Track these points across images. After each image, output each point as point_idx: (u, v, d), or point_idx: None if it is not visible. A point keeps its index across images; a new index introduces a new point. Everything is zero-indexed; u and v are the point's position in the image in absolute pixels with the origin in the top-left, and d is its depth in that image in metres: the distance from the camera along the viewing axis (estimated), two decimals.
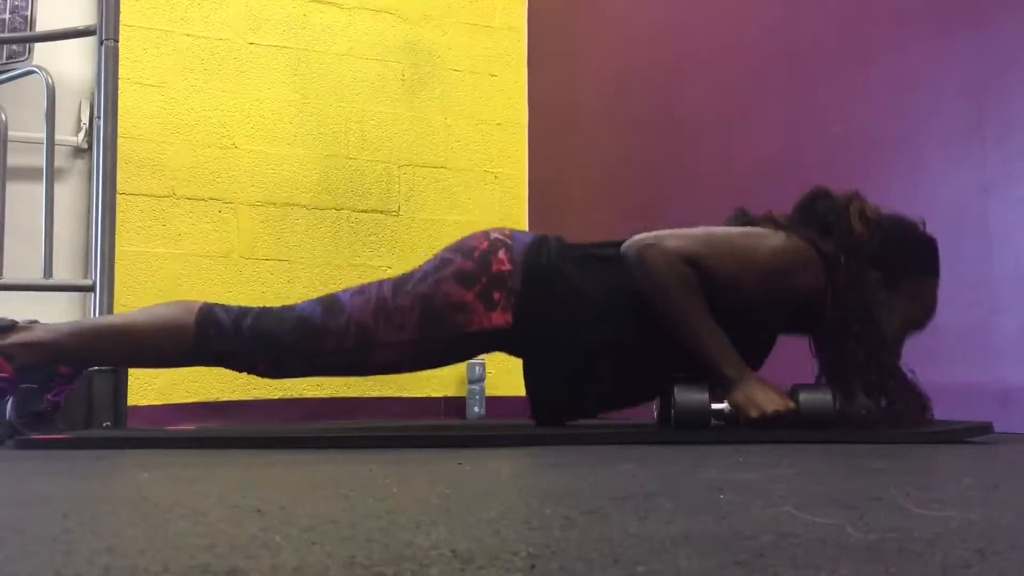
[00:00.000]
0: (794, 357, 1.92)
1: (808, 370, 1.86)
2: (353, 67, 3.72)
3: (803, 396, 1.71)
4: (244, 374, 2.02)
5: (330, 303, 1.89)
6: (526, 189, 3.95)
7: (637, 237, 1.82)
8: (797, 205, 1.88)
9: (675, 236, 1.80)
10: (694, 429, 1.70)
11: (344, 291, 1.92)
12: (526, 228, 3.92)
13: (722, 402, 1.73)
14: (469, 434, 2.16)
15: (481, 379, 3.60)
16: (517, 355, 1.94)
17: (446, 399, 3.70)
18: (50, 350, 1.86)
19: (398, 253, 3.70)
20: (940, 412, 2.05)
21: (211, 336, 1.87)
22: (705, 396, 1.71)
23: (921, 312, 1.85)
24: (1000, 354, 2.04)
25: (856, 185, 2.41)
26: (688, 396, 1.71)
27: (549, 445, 1.69)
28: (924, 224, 1.85)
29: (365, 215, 3.67)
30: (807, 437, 1.65)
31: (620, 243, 1.88)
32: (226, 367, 1.99)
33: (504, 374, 3.77)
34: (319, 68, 3.67)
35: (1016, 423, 1.91)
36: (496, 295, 1.83)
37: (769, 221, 1.87)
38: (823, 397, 1.70)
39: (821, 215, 1.83)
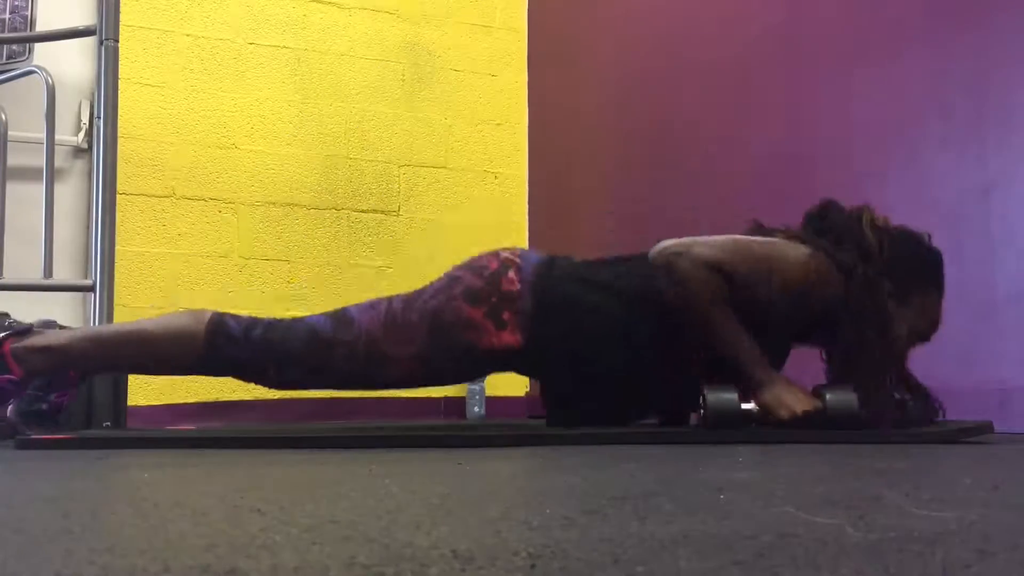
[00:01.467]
0: (798, 360, 1.92)
1: (812, 372, 1.87)
2: (353, 67, 3.72)
3: (830, 396, 1.73)
4: None
5: (341, 316, 1.90)
6: (526, 189, 3.95)
7: (664, 244, 1.83)
8: (808, 216, 1.90)
9: (702, 244, 1.81)
10: (726, 429, 1.72)
11: (355, 306, 1.93)
12: (526, 228, 3.93)
13: (750, 403, 1.75)
14: (469, 434, 2.16)
15: (481, 379, 3.60)
16: (528, 375, 1.96)
17: (446, 399, 3.70)
18: (61, 355, 1.87)
19: (398, 253, 3.70)
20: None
21: (221, 345, 1.87)
22: (735, 396, 1.73)
23: (927, 325, 1.87)
24: (1000, 354, 2.03)
25: (856, 184, 2.42)
26: (719, 397, 1.73)
27: (549, 445, 1.69)
28: (930, 237, 1.87)
29: (365, 215, 3.67)
30: (834, 437, 1.66)
31: (627, 258, 1.89)
32: (235, 376, 1.99)
33: (504, 374, 3.77)
34: (319, 68, 3.67)
35: (1016, 423, 1.91)
36: (506, 315, 1.83)
37: (784, 233, 1.89)
38: (849, 397, 1.72)
39: (833, 226, 1.85)
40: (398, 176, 3.75)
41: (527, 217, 3.93)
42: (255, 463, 1.39)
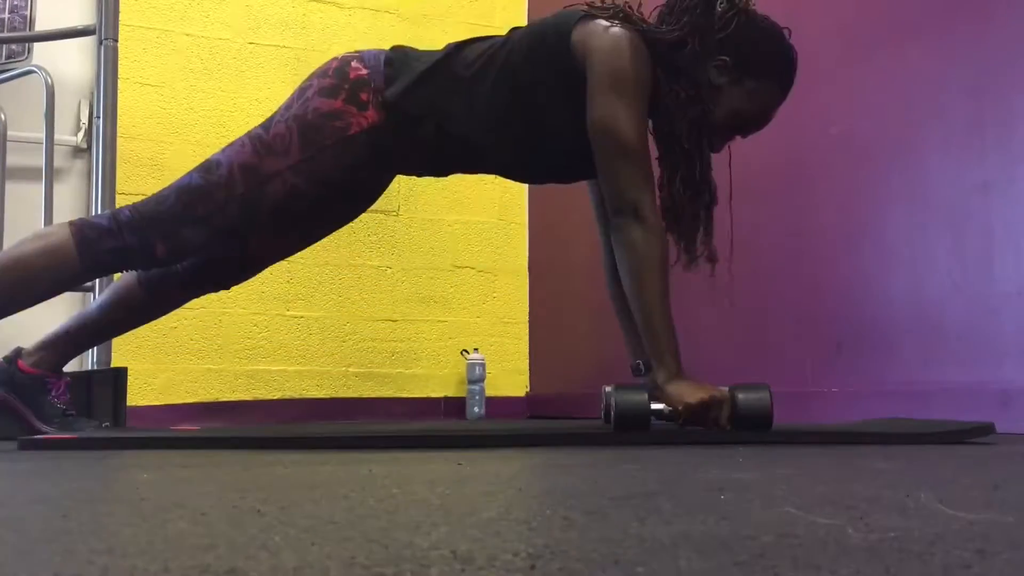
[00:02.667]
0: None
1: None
2: None
3: (741, 396, 1.71)
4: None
5: (204, 165, 1.94)
6: (526, 189, 3.94)
7: (616, 204, 1.80)
8: None
9: (642, 192, 1.78)
10: (634, 430, 1.70)
11: (214, 154, 1.96)
12: (526, 228, 3.93)
13: (660, 403, 1.73)
14: (469, 434, 2.16)
15: (481, 379, 3.61)
16: (395, 159, 1.97)
17: (446, 399, 3.70)
18: None
19: (398, 253, 3.70)
20: (941, 412, 2.05)
21: (93, 239, 1.89)
22: (644, 397, 1.71)
23: (754, 110, 1.88)
24: (1001, 354, 2.03)
25: (856, 184, 2.42)
26: (627, 398, 1.70)
27: (549, 445, 1.69)
28: (790, 33, 1.89)
29: (365, 215, 3.66)
30: (745, 438, 1.65)
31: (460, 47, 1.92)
32: (121, 270, 2.00)
33: (504, 374, 3.78)
34: None
35: (1017, 423, 1.91)
36: (363, 96, 1.89)
37: (605, 10, 1.85)
38: (761, 396, 1.70)
39: None
40: (398, 176, 3.75)
41: (527, 217, 3.93)
42: (255, 463, 1.39)
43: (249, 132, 1.94)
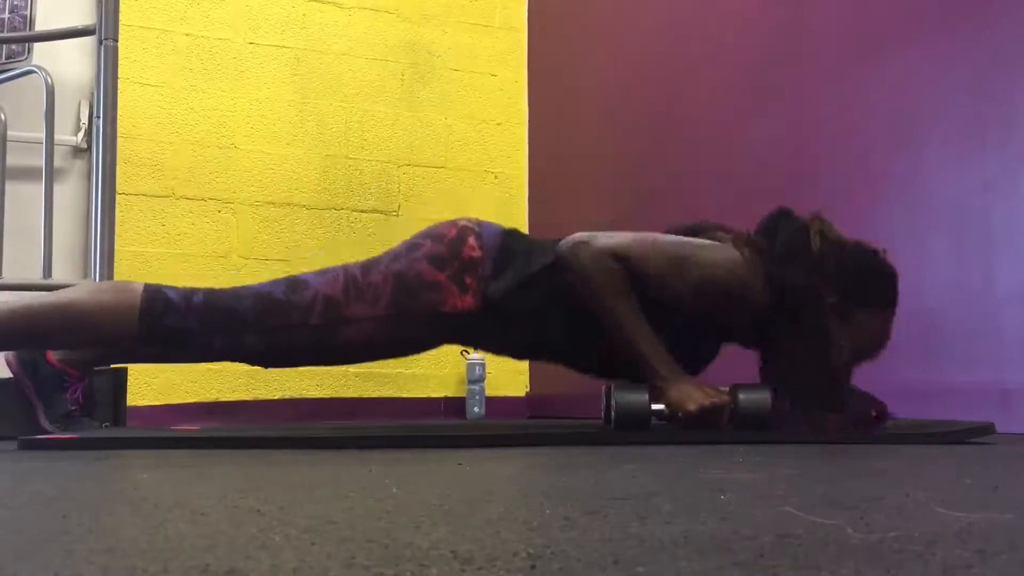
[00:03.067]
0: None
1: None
2: (353, 67, 3.72)
3: (742, 395, 1.70)
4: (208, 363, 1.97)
5: (292, 281, 1.88)
6: (526, 189, 3.95)
7: (570, 237, 1.84)
8: (759, 224, 1.86)
9: (607, 235, 1.82)
10: (634, 430, 1.69)
11: (304, 273, 1.92)
12: (526, 228, 3.93)
13: (661, 403, 1.73)
14: (469, 434, 2.16)
15: (481, 379, 3.60)
16: (476, 343, 1.97)
17: (446, 399, 3.70)
18: None
19: None
20: (941, 412, 2.05)
21: (159, 313, 1.80)
22: (645, 396, 1.70)
23: (872, 344, 1.81)
24: (1002, 354, 2.03)
25: (856, 184, 2.42)
26: (627, 397, 1.70)
27: (549, 445, 1.69)
28: (885, 253, 1.81)
29: (365, 215, 3.67)
30: (746, 437, 1.65)
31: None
32: (172, 353, 1.92)
33: (504, 374, 3.77)
34: (319, 68, 3.67)
35: (1018, 424, 1.91)
36: (468, 279, 1.86)
37: (721, 235, 1.87)
38: (762, 396, 1.70)
39: (782, 234, 1.80)
40: (398, 176, 3.75)
41: (527, 217, 3.93)
42: (255, 463, 1.39)
43: (347, 266, 1.90)
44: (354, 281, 1.86)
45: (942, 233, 2.19)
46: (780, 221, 1.83)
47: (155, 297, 1.82)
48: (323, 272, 1.90)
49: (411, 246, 1.91)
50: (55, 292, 1.93)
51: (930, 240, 2.20)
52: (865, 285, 1.78)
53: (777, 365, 1.80)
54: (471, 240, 1.89)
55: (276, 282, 1.89)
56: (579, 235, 1.84)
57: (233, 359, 1.93)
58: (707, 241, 1.85)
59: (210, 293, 1.86)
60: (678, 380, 1.74)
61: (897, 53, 2.34)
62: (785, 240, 1.79)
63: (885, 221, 2.32)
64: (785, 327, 1.76)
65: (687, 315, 1.81)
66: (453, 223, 1.94)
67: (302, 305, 1.83)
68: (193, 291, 1.86)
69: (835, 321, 1.74)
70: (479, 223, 1.95)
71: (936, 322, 2.16)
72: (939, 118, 2.22)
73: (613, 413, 1.71)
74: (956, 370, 2.11)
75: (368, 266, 1.89)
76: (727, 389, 1.73)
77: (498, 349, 2.02)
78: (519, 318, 1.87)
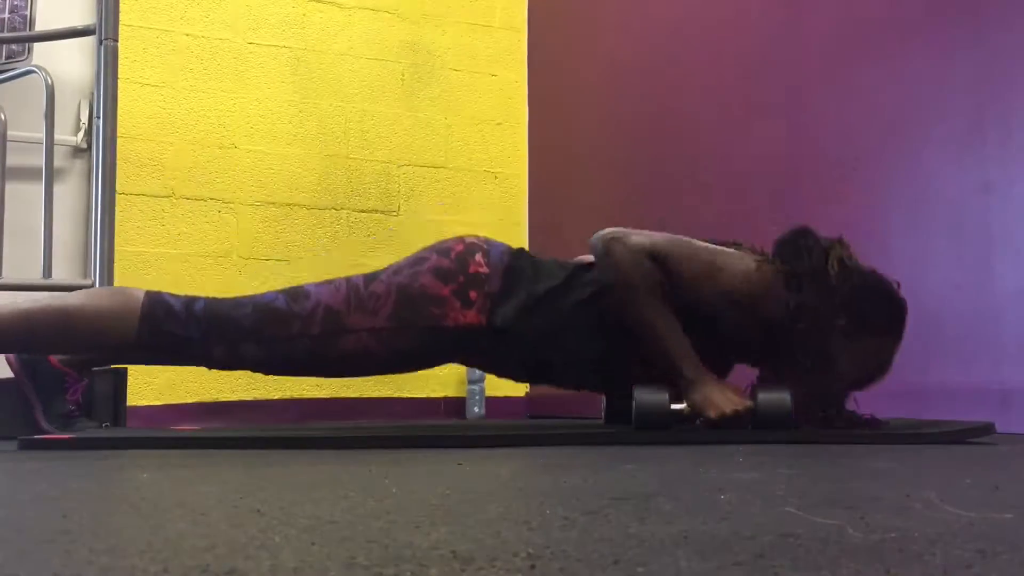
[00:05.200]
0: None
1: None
2: (353, 67, 3.72)
3: (761, 396, 1.70)
4: (203, 368, 1.95)
5: (293, 291, 1.87)
6: (526, 189, 3.95)
7: (603, 231, 1.84)
8: (778, 240, 1.87)
9: (640, 233, 1.83)
10: (654, 429, 1.69)
11: (306, 284, 1.91)
12: (526, 228, 3.93)
13: (681, 403, 1.72)
14: (469, 434, 2.16)
15: (481, 379, 3.60)
16: (478, 361, 1.98)
17: (446, 399, 3.69)
18: None
19: (398, 253, 3.67)
20: (941, 412, 2.05)
21: (159, 318, 1.79)
22: (665, 396, 1.70)
23: (875, 369, 1.82)
24: (1001, 354, 2.04)
25: (856, 184, 2.42)
26: (648, 396, 1.70)
27: (549, 445, 1.69)
28: (899, 286, 1.81)
29: (364, 215, 3.67)
30: (764, 437, 1.65)
31: (590, 265, 1.90)
32: (174, 358, 1.91)
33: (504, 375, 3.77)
34: (319, 68, 3.67)
35: (1018, 424, 1.91)
36: (473, 294, 1.85)
37: (744, 248, 1.88)
38: (782, 396, 1.70)
39: (801, 253, 1.80)
40: (398, 176, 3.75)
41: (527, 217, 3.93)
42: (255, 463, 1.39)
43: (350, 278, 1.89)
44: (356, 291, 1.86)
45: (942, 233, 2.19)
46: (800, 240, 1.83)
47: (156, 304, 1.81)
48: (325, 283, 1.89)
49: (416, 259, 1.91)
50: (55, 297, 1.92)
51: (930, 240, 2.20)
52: (876, 314, 1.79)
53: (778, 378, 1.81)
54: (478, 256, 1.88)
55: (276, 292, 1.89)
56: (612, 230, 1.83)
57: (233, 367, 1.93)
58: (729, 250, 1.86)
59: (211, 301, 1.85)
60: (703, 382, 1.74)
61: (897, 53, 2.34)
62: (805, 261, 1.79)
63: (885, 221, 2.32)
64: (790, 344, 1.76)
65: (717, 324, 1.81)
66: (460, 239, 1.94)
67: (303, 315, 1.83)
68: (194, 299, 1.86)
69: (840, 344, 1.75)
70: (487, 241, 1.95)
71: (936, 322, 2.16)
72: (939, 118, 2.22)
73: (633, 413, 1.70)
74: (956, 370, 2.11)
75: (371, 277, 1.89)
76: (747, 387, 1.73)
77: (499, 369, 2.02)
78: (524, 340, 1.87)
